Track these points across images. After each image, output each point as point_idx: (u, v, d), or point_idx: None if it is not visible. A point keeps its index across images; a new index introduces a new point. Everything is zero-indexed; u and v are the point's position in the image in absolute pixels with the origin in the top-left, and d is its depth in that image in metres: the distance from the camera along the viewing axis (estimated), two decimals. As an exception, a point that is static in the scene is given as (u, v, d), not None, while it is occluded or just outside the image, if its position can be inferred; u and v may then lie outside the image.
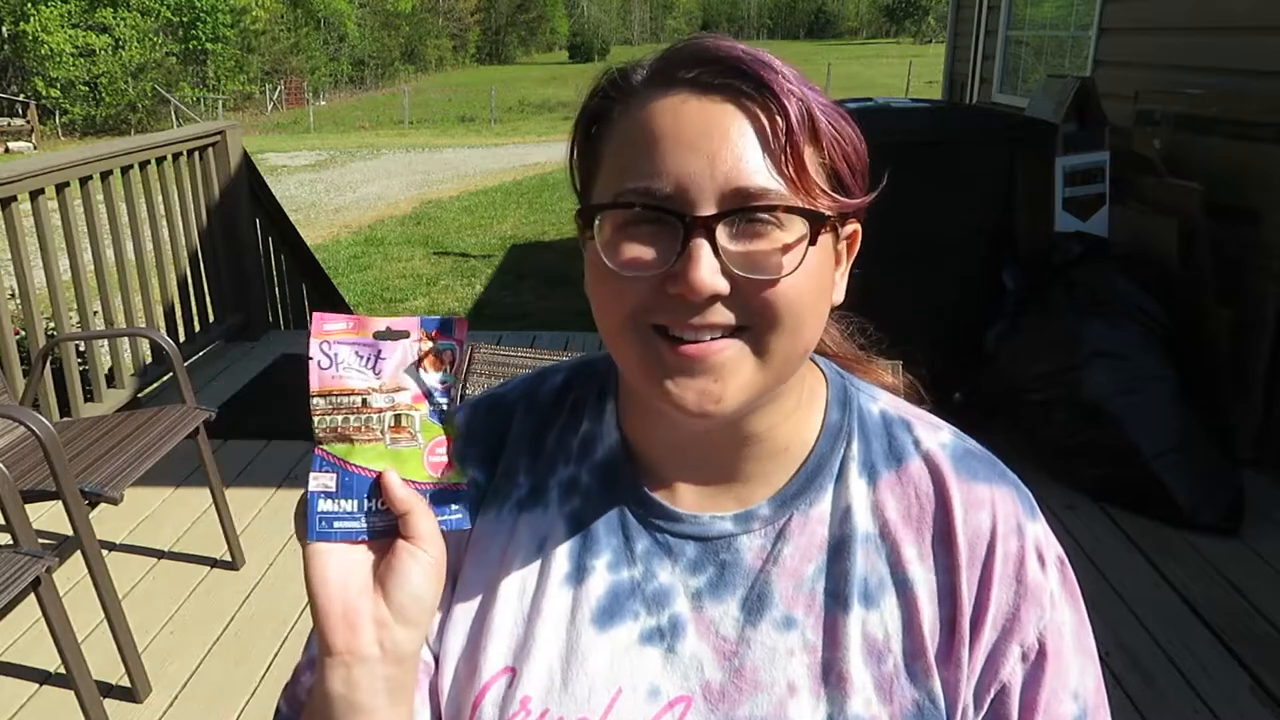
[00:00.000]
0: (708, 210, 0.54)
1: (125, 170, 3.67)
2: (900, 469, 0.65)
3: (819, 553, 0.63)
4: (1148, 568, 2.62)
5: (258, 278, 4.63)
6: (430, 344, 0.56)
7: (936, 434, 0.67)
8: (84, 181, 3.45)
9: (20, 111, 28.32)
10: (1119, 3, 4.82)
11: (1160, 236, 3.30)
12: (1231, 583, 2.53)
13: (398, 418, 0.56)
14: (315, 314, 0.55)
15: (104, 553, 2.34)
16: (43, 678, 2.19)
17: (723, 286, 0.54)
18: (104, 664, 2.14)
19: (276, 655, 2.29)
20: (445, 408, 0.57)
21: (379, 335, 0.56)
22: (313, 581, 0.54)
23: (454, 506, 0.57)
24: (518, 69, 66.00)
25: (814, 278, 0.57)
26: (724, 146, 0.54)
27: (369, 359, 0.56)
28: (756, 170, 0.54)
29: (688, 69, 0.57)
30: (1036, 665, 0.61)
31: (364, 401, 0.56)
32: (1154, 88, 3.92)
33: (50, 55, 31.72)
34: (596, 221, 0.57)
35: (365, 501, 0.56)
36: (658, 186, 0.55)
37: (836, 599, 0.62)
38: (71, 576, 2.48)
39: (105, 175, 3.56)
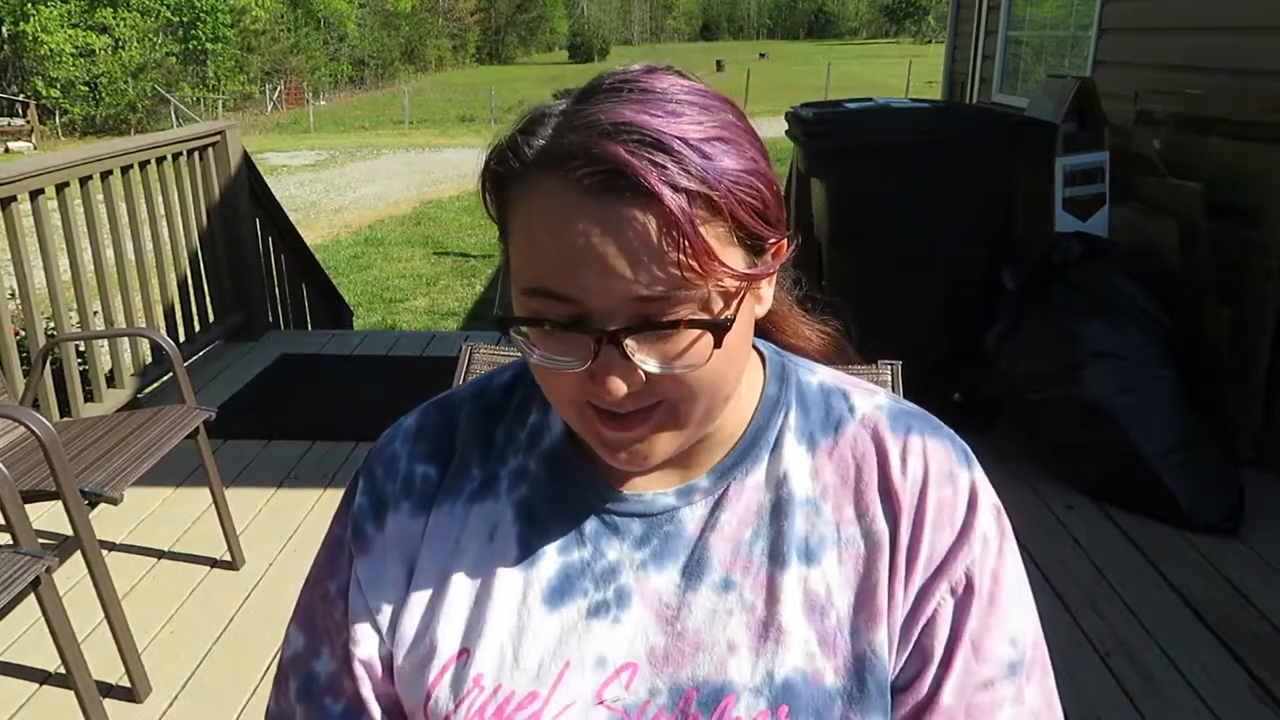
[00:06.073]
0: (614, 323, 0.55)
1: (125, 170, 3.66)
2: (839, 435, 0.68)
3: (756, 518, 0.66)
4: (1148, 568, 2.62)
5: (258, 278, 4.63)
6: None
7: (872, 398, 0.70)
8: (84, 181, 3.45)
9: (20, 111, 28.33)
10: (1119, 3, 4.81)
11: (1160, 236, 3.30)
12: (1231, 583, 2.53)
13: None
14: None
15: (104, 553, 2.34)
16: (43, 678, 2.19)
17: (636, 385, 0.57)
18: (104, 664, 2.14)
19: (276, 655, 2.28)
20: None
21: None
22: None
23: None
24: (518, 69, 65.97)
25: (728, 351, 0.58)
26: (620, 257, 0.53)
27: None
28: (655, 278, 0.53)
29: (575, 162, 0.53)
30: (964, 600, 0.63)
31: None
32: (1154, 88, 3.91)
33: (50, 55, 31.71)
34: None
35: None
36: (564, 295, 0.55)
37: (774, 559, 0.65)
38: (71, 576, 2.48)
39: (105, 175, 3.56)
